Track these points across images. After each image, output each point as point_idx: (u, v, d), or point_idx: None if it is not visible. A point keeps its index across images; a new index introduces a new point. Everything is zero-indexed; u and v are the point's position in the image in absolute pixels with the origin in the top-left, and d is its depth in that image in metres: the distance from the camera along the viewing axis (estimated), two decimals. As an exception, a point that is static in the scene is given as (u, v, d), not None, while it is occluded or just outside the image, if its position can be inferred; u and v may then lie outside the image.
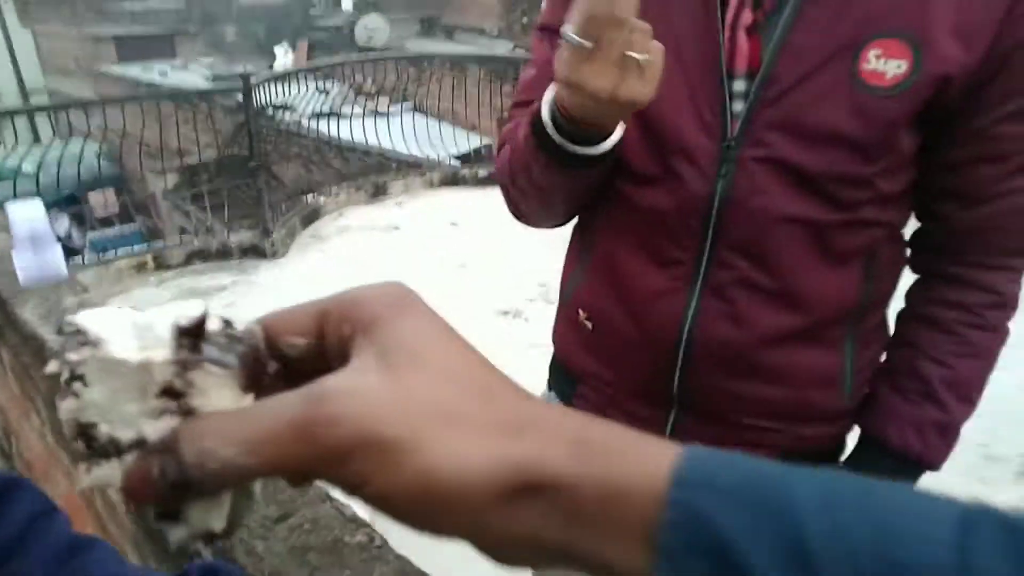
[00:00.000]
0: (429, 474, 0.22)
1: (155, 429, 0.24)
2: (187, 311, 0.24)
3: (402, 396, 0.23)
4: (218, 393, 0.24)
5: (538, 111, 0.71)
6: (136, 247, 4.54)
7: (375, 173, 5.76)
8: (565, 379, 0.98)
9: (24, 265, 1.80)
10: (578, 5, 0.61)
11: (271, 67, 8.81)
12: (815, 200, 0.75)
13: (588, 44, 0.60)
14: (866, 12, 0.69)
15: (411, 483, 0.23)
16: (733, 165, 0.75)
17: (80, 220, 7.23)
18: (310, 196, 5.20)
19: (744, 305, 0.79)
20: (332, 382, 0.23)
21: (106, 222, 5.60)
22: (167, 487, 0.23)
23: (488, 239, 4.44)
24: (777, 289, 0.79)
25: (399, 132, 6.07)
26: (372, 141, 6.17)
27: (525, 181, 0.80)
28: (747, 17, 0.72)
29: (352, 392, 0.23)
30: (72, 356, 0.24)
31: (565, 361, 0.98)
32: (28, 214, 1.79)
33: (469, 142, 7.20)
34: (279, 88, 5.43)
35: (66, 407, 0.24)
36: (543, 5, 0.88)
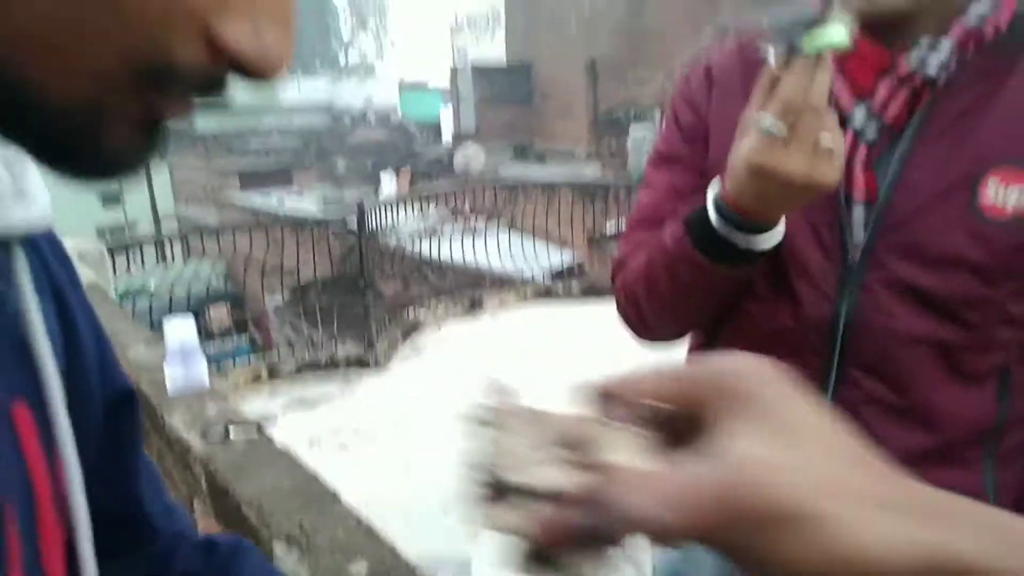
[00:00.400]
0: (842, 549, 0.23)
1: (567, 479, 0.25)
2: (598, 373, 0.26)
3: (810, 470, 0.24)
4: (623, 451, 0.26)
5: (699, 210, 0.74)
6: (251, 358, 4.84)
7: (471, 288, 5.98)
8: None
9: (173, 376, 1.98)
10: (769, 95, 0.65)
11: (376, 193, 9.53)
12: (942, 321, 0.75)
13: (783, 130, 0.64)
14: (981, 147, 0.72)
15: (823, 556, 0.24)
16: (856, 288, 0.76)
17: (198, 333, 7.83)
18: (410, 310, 5.44)
19: (875, 424, 0.78)
20: (742, 450, 0.25)
21: (222, 334, 6.03)
22: (581, 535, 0.24)
23: (581, 352, 4.48)
24: (908, 408, 0.78)
25: (494, 249, 6.34)
26: (468, 258, 6.46)
27: (666, 287, 0.82)
28: (862, 152, 0.75)
29: (766, 463, 0.24)
30: (493, 404, 0.26)
31: None
32: (181, 330, 1.99)
33: (562, 258, 7.41)
34: (385, 212, 5.85)
35: (480, 451, 0.26)
36: (658, 140, 0.94)
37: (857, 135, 0.75)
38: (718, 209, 0.72)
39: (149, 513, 0.48)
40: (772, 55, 0.63)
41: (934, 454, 0.78)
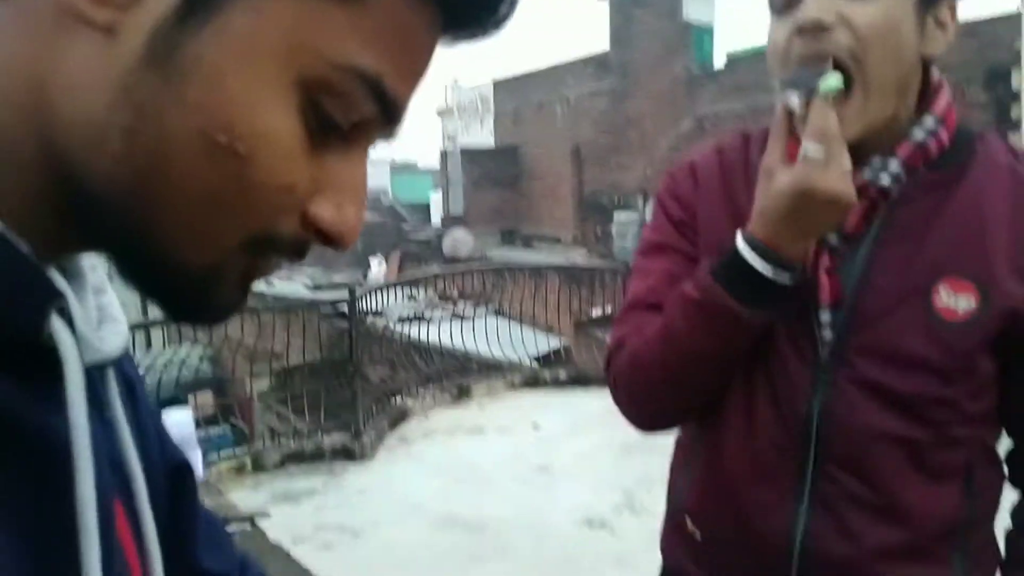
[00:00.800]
0: None
1: None
2: None
3: None
4: None
5: (725, 256, 0.81)
6: (235, 448, 4.77)
7: (458, 374, 5.99)
8: None
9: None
10: (787, 135, 0.77)
11: (365, 276, 9.68)
12: (906, 418, 0.80)
13: (823, 153, 0.74)
14: (933, 255, 0.80)
15: None
16: (827, 386, 0.82)
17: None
18: (397, 398, 5.42)
19: (852, 519, 0.82)
20: None
21: (207, 422, 5.95)
22: None
23: (569, 442, 4.46)
24: (882, 504, 0.82)
25: (481, 334, 6.39)
26: (456, 343, 6.49)
27: (685, 345, 0.84)
28: (826, 261, 0.82)
29: None
30: None
31: (675, 571, 0.99)
32: (179, 420, 2.01)
33: (548, 343, 7.45)
34: (374, 296, 5.93)
35: None
36: (647, 231, 0.99)
37: (820, 243, 0.82)
38: (751, 247, 0.79)
39: (208, 570, 0.50)
40: (794, 101, 0.76)
41: (907, 550, 0.82)
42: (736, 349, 0.85)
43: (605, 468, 4.02)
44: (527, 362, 6.51)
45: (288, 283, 9.82)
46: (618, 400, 0.94)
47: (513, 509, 3.63)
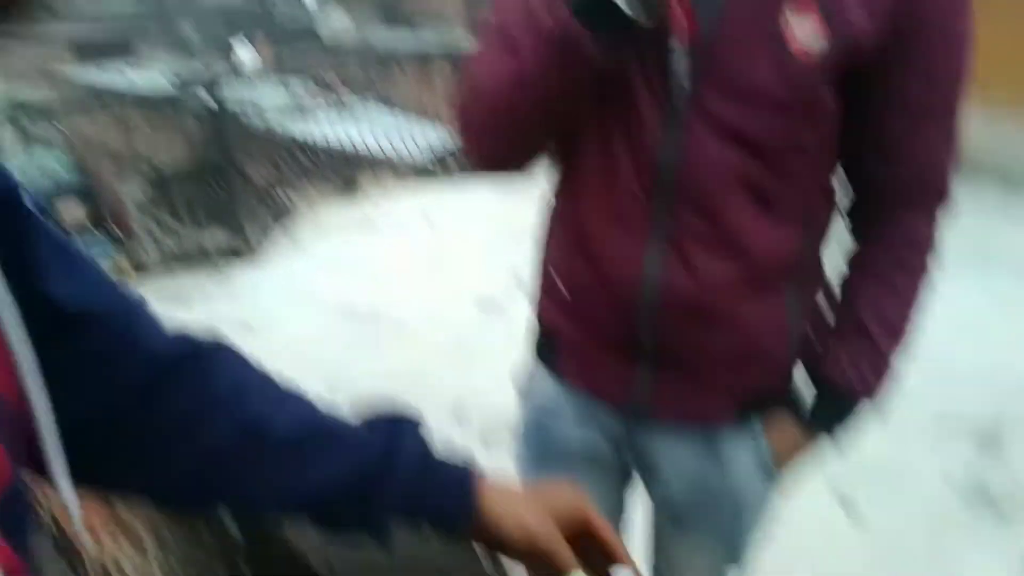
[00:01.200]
0: None
1: None
2: None
3: None
4: None
5: None
6: (114, 253, 4.54)
7: (346, 169, 5.80)
8: (545, 342, 1.06)
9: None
10: None
11: (232, 65, 8.74)
12: (753, 158, 0.84)
13: None
14: None
15: None
16: (680, 128, 0.83)
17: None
18: (282, 194, 5.23)
19: (698, 257, 0.88)
20: None
21: (78, 232, 5.57)
22: None
23: (462, 233, 4.53)
24: (726, 242, 0.87)
25: (367, 127, 6.11)
26: (341, 137, 6.19)
27: (528, 92, 0.81)
28: None
29: None
30: None
31: (545, 324, 1.05)
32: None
33: (438, 135, 7.23)
34: (243, 87, 5.45)
35: None
36: None
37: None
38: None
39: (60, 299, 0.48)
40: None
41: (749, 284, 0.90)
42: (584, 89, 0.82)
43: (497, 255, 4.14)
44: (417, 154, 6.35)
45: (145, 75, 8.76)
46: (463, 137, 0.92)
47: (408, 298, 3.74)
